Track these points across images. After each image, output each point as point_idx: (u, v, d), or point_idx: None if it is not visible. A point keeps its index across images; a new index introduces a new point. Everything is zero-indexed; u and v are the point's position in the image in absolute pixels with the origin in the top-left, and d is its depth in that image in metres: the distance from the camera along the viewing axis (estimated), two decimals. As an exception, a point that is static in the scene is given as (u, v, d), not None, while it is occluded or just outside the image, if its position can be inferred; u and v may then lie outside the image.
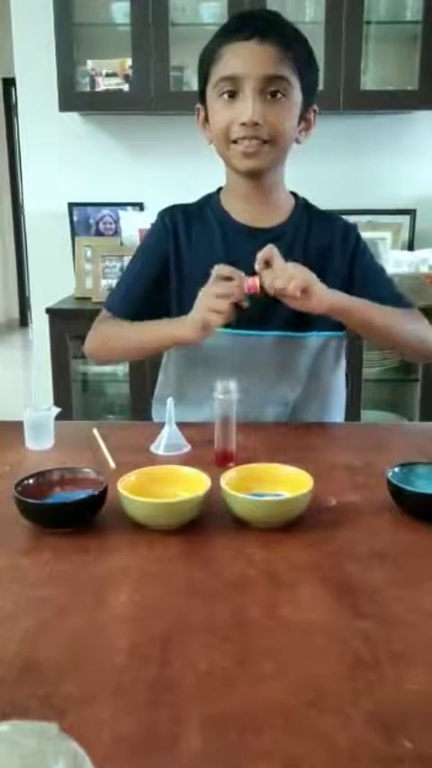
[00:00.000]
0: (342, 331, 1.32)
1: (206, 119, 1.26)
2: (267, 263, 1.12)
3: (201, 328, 1.13)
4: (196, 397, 1.28)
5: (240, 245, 1.26)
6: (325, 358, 1.31)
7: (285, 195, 1.33)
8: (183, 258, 1.31)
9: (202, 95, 1.25)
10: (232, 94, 1.17)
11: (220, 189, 1.35)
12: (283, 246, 1.19)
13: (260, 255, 1.12)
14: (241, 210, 1.30)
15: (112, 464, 1.07)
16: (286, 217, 1.30)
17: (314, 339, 1.29)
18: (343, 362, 1.38)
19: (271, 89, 1.16)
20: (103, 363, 1.36)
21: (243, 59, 1.16)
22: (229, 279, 1.12)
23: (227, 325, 1.22)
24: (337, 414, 1.39)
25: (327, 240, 1.30)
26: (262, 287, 1.11)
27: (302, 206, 1.33)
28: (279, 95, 1.17)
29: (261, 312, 1.25)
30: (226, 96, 1.18)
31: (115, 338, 1.33)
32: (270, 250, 1.12)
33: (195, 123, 1.29)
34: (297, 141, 1.25)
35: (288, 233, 1.29)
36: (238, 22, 1.20)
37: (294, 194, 1.34)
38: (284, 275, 1.10)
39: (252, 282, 1.11)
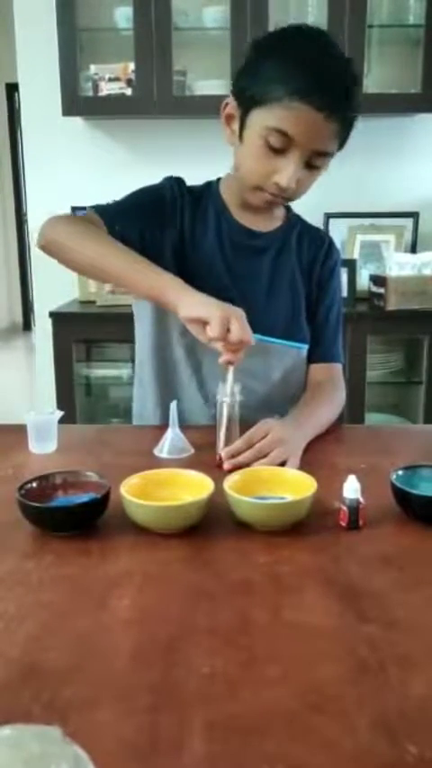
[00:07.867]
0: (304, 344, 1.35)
1: (233, 116, 1.19)
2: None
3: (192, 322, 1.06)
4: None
5: (236, 244, 1.30)
6: (290, 363, 1.33)
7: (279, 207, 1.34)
8: (184, 234, 1.28)
9: (240, 94, 1.16)
10: (278, 150, 1.13)
11: (219, 179, 1.34)
12: (274, 250, 1.31)
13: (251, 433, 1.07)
14: (238, 211, 1.31)
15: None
16: (278, 224, 1.34)
17: (279, 346, 1.31)
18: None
19: (314, 162, 1.15)
20: (49, 254, 1.18)
21: (305, 127, 1.10)
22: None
23: None
24: None
25: (313, 253, 1.36)
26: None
27: (293, 217, 1.37)
28: (318, 167, 1.17)
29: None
30: (270, 147, 1.13)
31: (85, 242, 1.14)
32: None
33: (221, 113, 1.21)
34: None
35: (280, 239, 1.33)
36: (319, 84, 1.08)
37: (287, 206, 1.36)
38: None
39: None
